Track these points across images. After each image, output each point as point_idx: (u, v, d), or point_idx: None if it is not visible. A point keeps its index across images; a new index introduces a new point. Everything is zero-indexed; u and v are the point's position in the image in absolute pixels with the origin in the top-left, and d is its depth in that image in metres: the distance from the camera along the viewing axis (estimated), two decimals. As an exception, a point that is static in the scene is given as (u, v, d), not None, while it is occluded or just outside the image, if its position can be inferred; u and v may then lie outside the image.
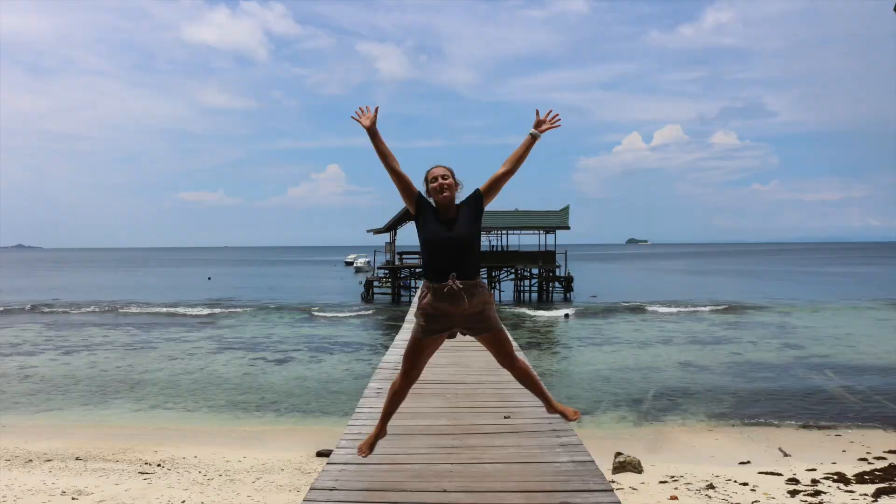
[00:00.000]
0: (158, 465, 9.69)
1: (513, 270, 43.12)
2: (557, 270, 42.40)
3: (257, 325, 30.18)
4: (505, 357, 3.94)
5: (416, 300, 5.00)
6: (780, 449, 10.72)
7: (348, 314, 34.83)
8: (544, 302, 40.99)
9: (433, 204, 3.87)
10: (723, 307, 36.24)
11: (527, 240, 45.40)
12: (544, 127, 3.95)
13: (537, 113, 3.94)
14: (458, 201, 3.91)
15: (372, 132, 3.81)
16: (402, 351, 4.08)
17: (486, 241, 46.33)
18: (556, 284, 42.92)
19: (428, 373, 7.48)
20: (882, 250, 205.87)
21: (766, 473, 9.18)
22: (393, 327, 27.57)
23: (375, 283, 44.64)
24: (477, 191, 3.90)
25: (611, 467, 9.54)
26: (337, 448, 4.70)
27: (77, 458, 9.99)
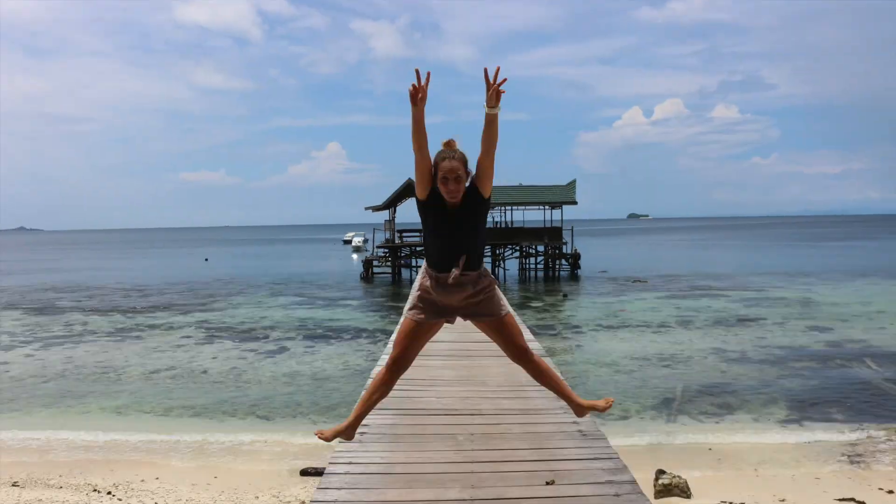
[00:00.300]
0: (109, 492, 8.10)
1: (518, 248, 41.45)
2: (564, 247, 40.74)
3: (251, 308, 28.59)
4: (515, 349, 3.69)
5: (417, 281, 4.58)
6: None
7: (346, 296, 33.24)
8: (551, 280, 39.36)
9: (439, 192, 3.62)
10: (738, 282, 34.60)
11: (532, 216, 43.73)
12: (491, 99, 3.38)
13: (486, 82, 3.37)
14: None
15: (420, 109, 3.38)
16: None
17: (490, 217, 44.64)
18: (563, 262, 41.30)
19: (431, 395, 5.85)
20: (884, 223, 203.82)
21: (847, 501, 7.57)
22: (394, 309, 26.00)
23: (375, 263, 43.01)
24: (473, 186, 3.61)
25: (652, 490, 7.95)
26: (327, 472, 3.93)
27: (14, 485, 8.39)
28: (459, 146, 3.65)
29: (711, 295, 30.22)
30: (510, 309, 3.84)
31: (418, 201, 3.66)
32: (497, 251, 40.75)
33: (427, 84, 3.36)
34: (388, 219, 39.55)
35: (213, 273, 50.73)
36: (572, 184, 41.12)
